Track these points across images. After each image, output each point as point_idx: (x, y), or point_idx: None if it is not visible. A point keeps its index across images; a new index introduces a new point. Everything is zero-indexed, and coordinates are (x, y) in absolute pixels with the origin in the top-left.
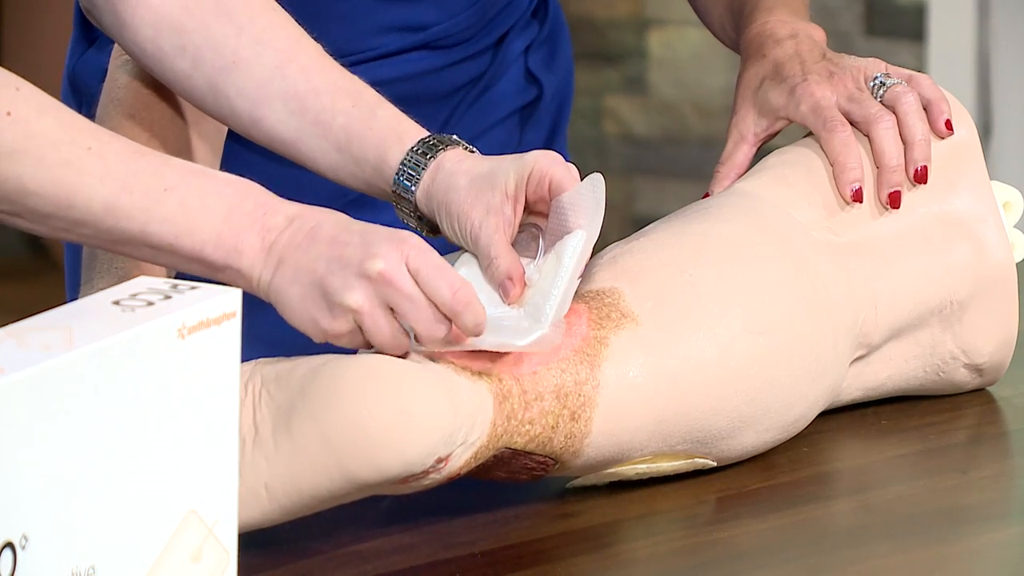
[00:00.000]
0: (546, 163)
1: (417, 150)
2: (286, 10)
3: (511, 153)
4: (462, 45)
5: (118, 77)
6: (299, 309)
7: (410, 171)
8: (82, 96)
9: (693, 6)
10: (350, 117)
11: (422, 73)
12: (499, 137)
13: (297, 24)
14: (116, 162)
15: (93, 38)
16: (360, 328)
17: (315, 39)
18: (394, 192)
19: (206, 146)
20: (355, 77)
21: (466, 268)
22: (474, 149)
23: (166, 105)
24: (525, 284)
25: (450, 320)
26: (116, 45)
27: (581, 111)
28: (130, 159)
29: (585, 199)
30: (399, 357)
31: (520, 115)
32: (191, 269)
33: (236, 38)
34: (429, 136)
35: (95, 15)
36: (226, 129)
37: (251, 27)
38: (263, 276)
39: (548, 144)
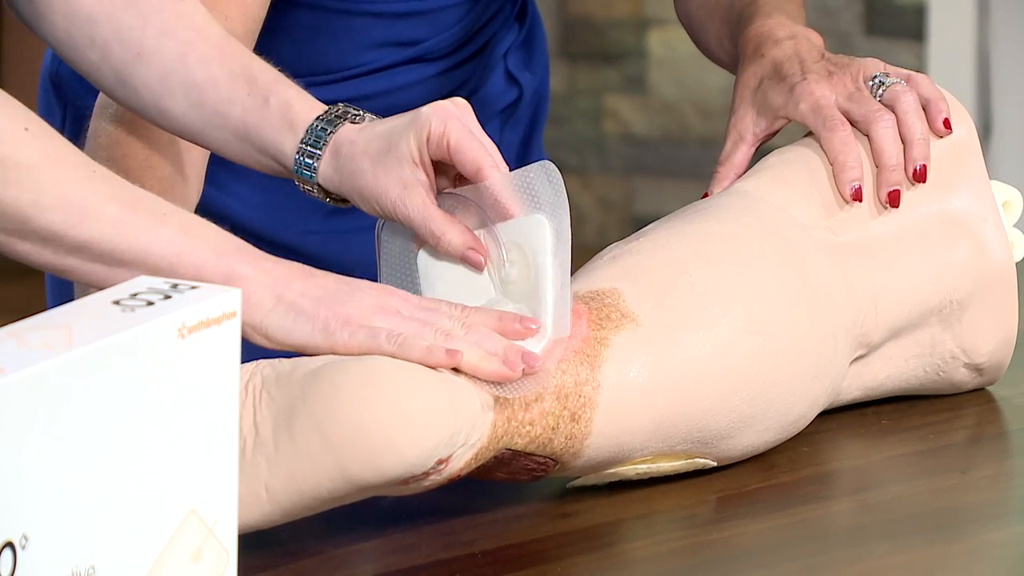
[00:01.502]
0: (438, 123)
1: (307, 140)
2: (283, 27)
3: None
4: (449, 56)
5: (100, 124)
6: (313, 314)
7: (307, 160)
8: (66, 101)
9: (688, 27)
10: (245, 107)
11: (410, 84)
12: None
13: (205, 13)
14: (118, 186)
15: None
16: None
17: (309, 55)
18: (298, 181)
19: (184, 184)
20: (256, 59)
21: (426, 256)
22: (360, 111)
23: (147, 150)
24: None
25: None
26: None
27: (581, 111)
28: (128, 186)
29: (538, 184)
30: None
31: (501, 116)
32: None
33: (142, 29)
34: (316, 121)
35: (14, 7)
36: (204, 168)
37: (157, 18)
38: (266, 279)
39: (527, 141)
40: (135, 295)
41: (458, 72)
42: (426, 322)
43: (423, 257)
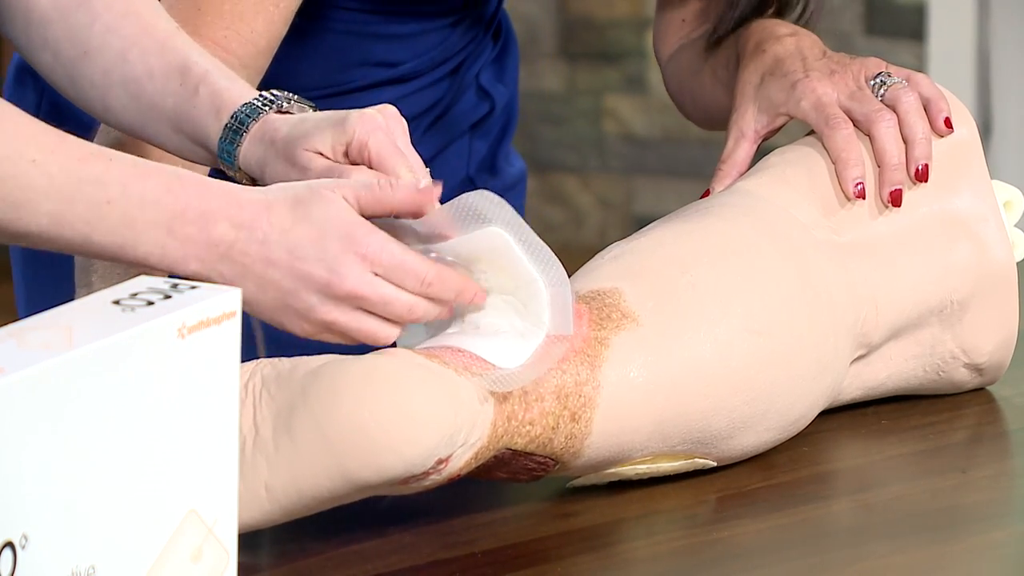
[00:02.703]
0: (366, 128)
1: (231, 125)
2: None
3: (463, 163)
4: (425, 75)
5: (104, 142)
6: (273, 317)
7: (228, 145)
8: (43, 88)
9: (679, 88)
10: (178, 97)
11: (386, 103)
12: (455, 150)
13: (156, 8)
14: (59, 173)
15: None
16: (343, 334)
17: (289, 71)
18: (224, 166)
19: None
20: (194, 49)
21: None
22: (292, 99)
23: None
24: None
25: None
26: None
27: (581, 110)
28: (74, 169)
29: (480, 205)
30: (392, 347)
31: (471, 129)
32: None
33: (89, 28)
34: (243, 107)
35: None
36: None
37: (106, 15)
38: (218, 281)
39: (494, 149)
40: (135, 295)
41: (433, 91)
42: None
43: None
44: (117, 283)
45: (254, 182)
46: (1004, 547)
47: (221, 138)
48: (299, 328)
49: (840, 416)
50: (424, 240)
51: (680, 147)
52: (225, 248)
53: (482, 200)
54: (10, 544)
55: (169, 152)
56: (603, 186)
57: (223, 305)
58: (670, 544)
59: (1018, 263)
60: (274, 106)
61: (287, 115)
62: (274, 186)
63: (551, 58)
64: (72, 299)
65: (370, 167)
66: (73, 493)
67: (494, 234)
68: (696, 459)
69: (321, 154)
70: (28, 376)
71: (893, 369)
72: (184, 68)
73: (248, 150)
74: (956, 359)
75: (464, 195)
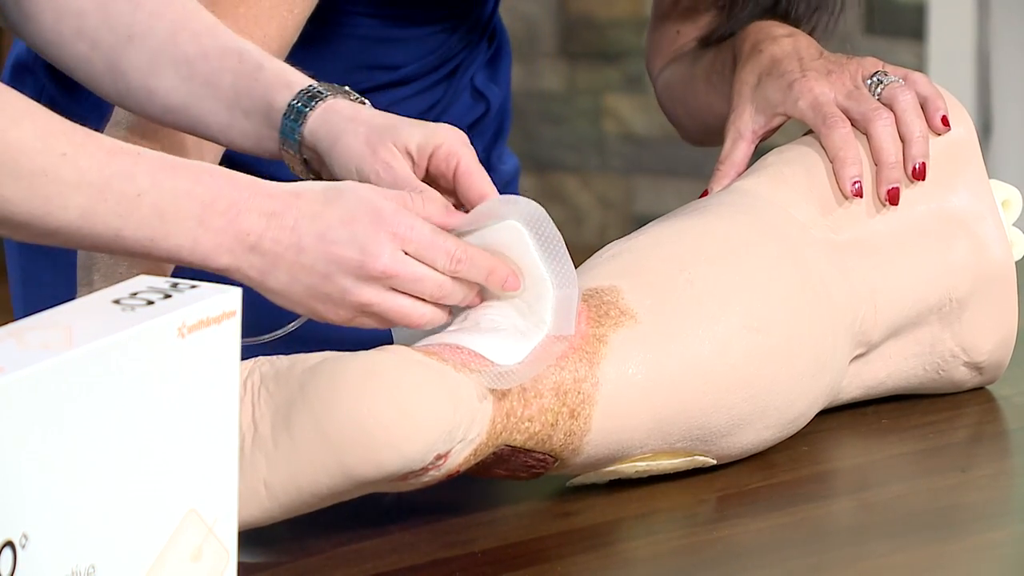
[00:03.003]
0: (456, 141)
1: (302, 96)
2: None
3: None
4: (423, 78)
5: (115, 133)
6: (307, 305)
7: (297, 111)
8: (41, 86)
9: (670, 97)
10: (237, 73)
11: (384, 106)
12: None
13: (195, 1)
14: (89, 167)
15: None
16: (378, 315)
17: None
18: (280, 137)
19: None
20: (246, 40)
21: None
22: (365, 101)
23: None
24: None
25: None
26: (115, 111)
27: (581, 110)
28: (104, 163)
29: (500, 207)
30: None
31: (467, 130)
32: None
33: (131, 14)
34: (315, 84)
35: (4, 12)
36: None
37: (147, 3)
38: (249, 274)
39: (490, 150)
40: (135, 294)
41: (430, 93)
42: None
43: None
44: (119, 282)
45: (306, 164)
46: (1004, 546)
47: (286, 113)
48: (334, 314)
49: (840, 415)
50: None
51: (680, 147)
52: (256, 238)
53: (502, 203)
54: (10, 543)
55: (213, 132)
56: (603, 186)
57: (223, 304)
58: (670, 543)
59: (1017, 262)
60: (341, 95)
61: (349, 102)
62: (306, 182)
63: (551, 57)
64: (71, 298)
65: (452, 177)
66: (73, 492)
67: (511, 227)
68: (696, 457)
69: (408, 153)
70: (28, 375)
71: (893, 368)
72: (242, 50)
73: (318, 123)
74: (956, 358)
75: (488, 201)
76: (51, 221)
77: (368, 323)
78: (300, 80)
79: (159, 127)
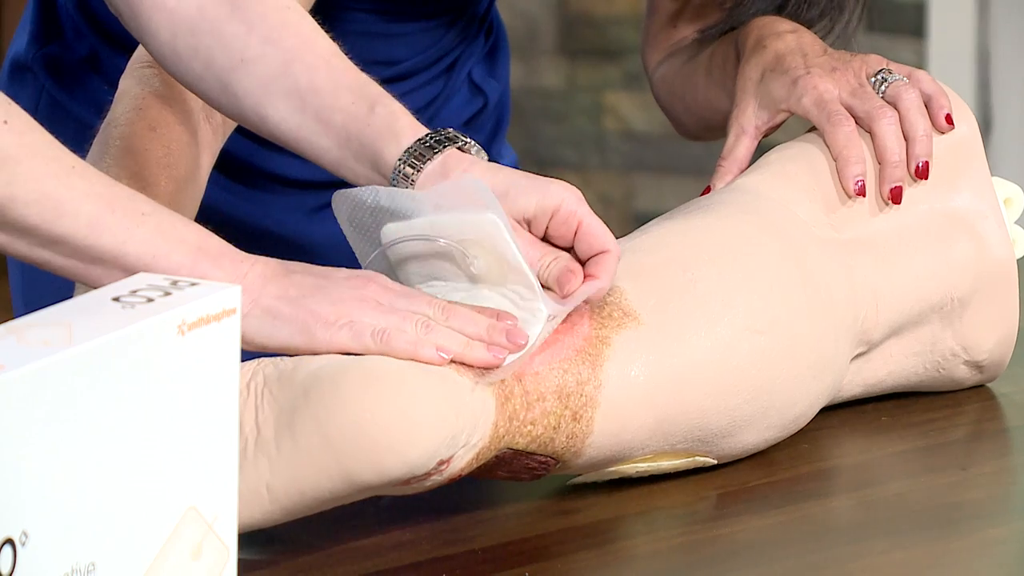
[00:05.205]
0: (572, 201)
1: (413, 151)
2: None
3: None
4: (421, 73)
5: (119, 114)
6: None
7: (408, 168)
8: (41, 86)
9: (669, 94)
10: (348, 114)
11: None
12: None
13: (312, 22)
14: (97, 183)
15: (59, 31)
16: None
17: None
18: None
19: (194, 185)
20: (362, 74)
21: (416, 264)
22: (468, 140)
23: (166, 148)
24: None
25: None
26: (136, 53)
27: (581, 107)
28: (108, 183)
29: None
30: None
31: (465, 125)
32: None
33: (245, 37)
34: (427, 135)
35: (124, 23)
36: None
37: (261, 26)
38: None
39: (488, 145)
40: (135, 292)
41: (429, 88)
42: (407, 311)
43: (393, 255)
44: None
45: None
46: (1004, 544)
47: (400, 160)
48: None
49: (840, 413)
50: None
51: (680, 144)
52: (249, 265)
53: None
54: (10, 541)
55: (323, 165)
56: (603, 183)
57: (223, 302)
58: (670, 541)
59: (1018, 260)
60: (453, 144)
61: (469, 155)
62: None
63: (551, 55)
64: (71, 296)
65: (571, 235)
66: (73, 490)
67: (490, 220)
68: (697, 457)
69: (525, 220)
70: (28, 373)
71: (893, 366)
72: (356, 87)
73: (429, 176)
74: (956, 356)
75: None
76: (60, 227)
77: (352, 346)
78: (407, 129)
79: (150, 132)
